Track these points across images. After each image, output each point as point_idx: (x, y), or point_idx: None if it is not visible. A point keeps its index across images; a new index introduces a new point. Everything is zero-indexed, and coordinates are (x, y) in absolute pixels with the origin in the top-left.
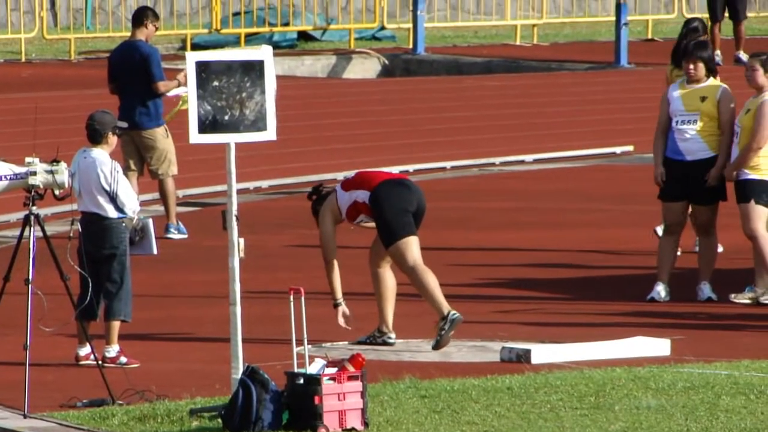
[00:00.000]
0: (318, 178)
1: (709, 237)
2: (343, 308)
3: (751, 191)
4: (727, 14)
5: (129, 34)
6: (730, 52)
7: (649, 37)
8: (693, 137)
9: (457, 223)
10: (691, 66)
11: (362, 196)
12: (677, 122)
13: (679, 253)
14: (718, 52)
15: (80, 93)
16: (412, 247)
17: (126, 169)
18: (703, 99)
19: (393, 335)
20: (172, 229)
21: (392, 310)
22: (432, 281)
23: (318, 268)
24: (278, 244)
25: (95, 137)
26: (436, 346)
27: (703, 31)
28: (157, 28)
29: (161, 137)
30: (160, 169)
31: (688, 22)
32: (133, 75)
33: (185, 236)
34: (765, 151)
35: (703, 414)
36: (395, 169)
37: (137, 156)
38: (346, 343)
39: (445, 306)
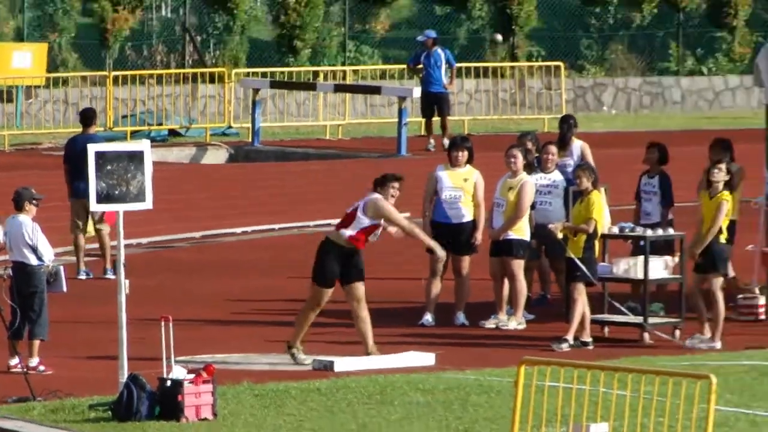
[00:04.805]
0: (185, 236)
1: (462, 278)
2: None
3: (515, 248)
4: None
5: (47, 131)
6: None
7: (422, 133)
8: (458, 206)
9: (281, 270)
10: (459, 153)
11: (366, 221)
12: (445, 195)
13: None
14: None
15: (10, 174)
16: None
17: (74, 228)
18: (465, 180)
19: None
20: (108, 272)
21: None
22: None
23: (184, 302)
24: (155, 283)
25: (19, 206)
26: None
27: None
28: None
29: None
30: (101, 225)
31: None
32: (83, 160)
33: (114, 277)
34: (523, 219)
35: (457, 407)
36: (238, 230)
37: (84, 218)
38: (206, 355)
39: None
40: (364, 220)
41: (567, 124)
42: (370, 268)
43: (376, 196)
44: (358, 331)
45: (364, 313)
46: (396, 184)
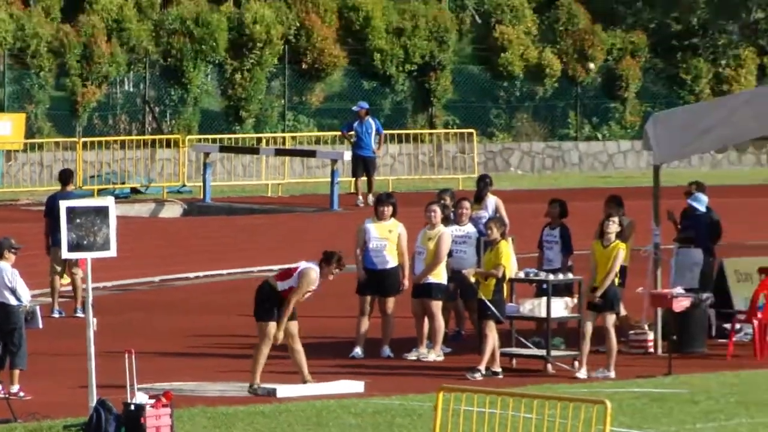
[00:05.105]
0: (145, 280)
1: (387, 316)
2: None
3: (434, 290)
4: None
5: (25, 189)
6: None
7: (352, 191)
8: (383, 254)
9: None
10: (384, 208)
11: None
12: (372, 244)
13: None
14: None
15: None
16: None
17: (53, 272)
18: (390, 231)
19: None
20: (78, 311)
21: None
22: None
23: (145, 337)
24: (120, 321)
25: None
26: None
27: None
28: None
29: None
30: (75, 270)
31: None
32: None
33: (83, 315)
34: (441, 265)
35: (384, 428)
36: (192, 275)
37: (62, 264)
38: (165, 383)
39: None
40: (295, 282)
41: (483, 182)
42: (308, 307)
43: (311, 269)
44: (294, 363)
45: (299, 347)
46: (338, 270)
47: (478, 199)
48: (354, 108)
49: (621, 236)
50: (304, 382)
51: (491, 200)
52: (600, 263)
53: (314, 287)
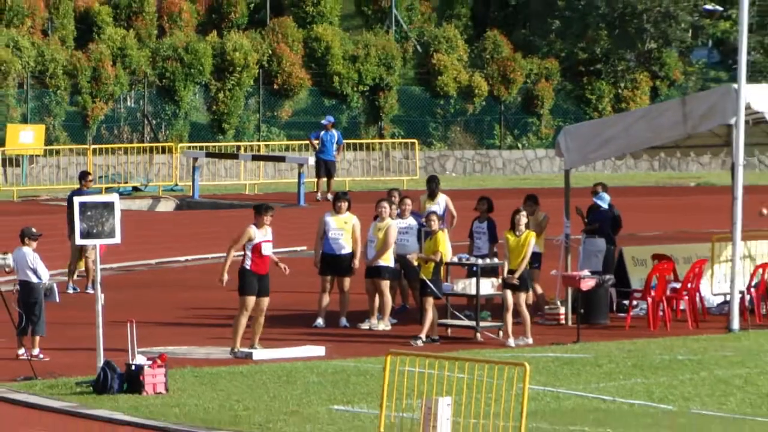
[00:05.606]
0: (145, 262)
1: (344, 293)
2: None
3: (383, 272)
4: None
5: (44, 188)
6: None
7: (315, 189)
8: (340, 242)
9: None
10: (341, 203)
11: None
12: (331, 234)
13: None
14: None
15: (18, 218)
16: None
17: (73, 253)
18: (346, 222)
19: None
20: (89, 288)
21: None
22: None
23: (144, 309)
24: (123, 296)
25: (23, 240)
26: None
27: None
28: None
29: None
30: (89, 254)
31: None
32: None
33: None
34: (389, 251)
35: (341, 385)
36: (182, 258)
37: (78, 249)
38: (160, 347)
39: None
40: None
41: (435, 182)
42: (279, 285)
43: (247, 226)
44: (252, 330)
45: (261, 320)
46: (270, 214)
47: (432, 196)
48: (323, 121)
49: (537, 228)
50: (252, 347)
51: (442, 198)
52: (514, 250)
53: (254, 237)
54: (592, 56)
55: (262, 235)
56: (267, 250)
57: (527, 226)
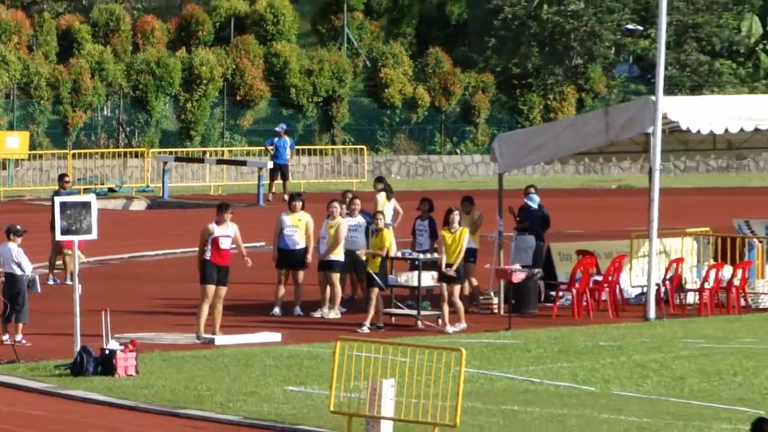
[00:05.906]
0: (118, 256)
1: (299, 284)
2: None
3: (334, 265)
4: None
5: (28, 188)
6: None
7: (273, 191)
8: (294, 239)
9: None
10: (296, 203)
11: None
12: (286, 231)
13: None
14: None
15: (5, 216)
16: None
17: (53, 249)
18: (300, 220)
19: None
20: (68, 280)
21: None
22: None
23: (117, 299)
24: (98, 287)
25: (8, 236)
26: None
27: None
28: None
29: None
30: (66, 250)
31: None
32: None
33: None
34: (339, 247)
35: (295, 368)
36: (152, 253)
37: (58, 244)
38: (131, 334)
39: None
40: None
41: (386, 183)
42: (239, 277)
43: (207, 225)
44: (213, 318)
45: (220, 308)
46: (230, 211)
47: (389, 196)
48: (277, 129)
49: (473, 226)
50: (214, 333)
51: (392, 199)
52: (450, 246)
53: (213, 232)
54: (525, 71)
55: (221, 230)
56: (225, 244)
57: (461, 224)
